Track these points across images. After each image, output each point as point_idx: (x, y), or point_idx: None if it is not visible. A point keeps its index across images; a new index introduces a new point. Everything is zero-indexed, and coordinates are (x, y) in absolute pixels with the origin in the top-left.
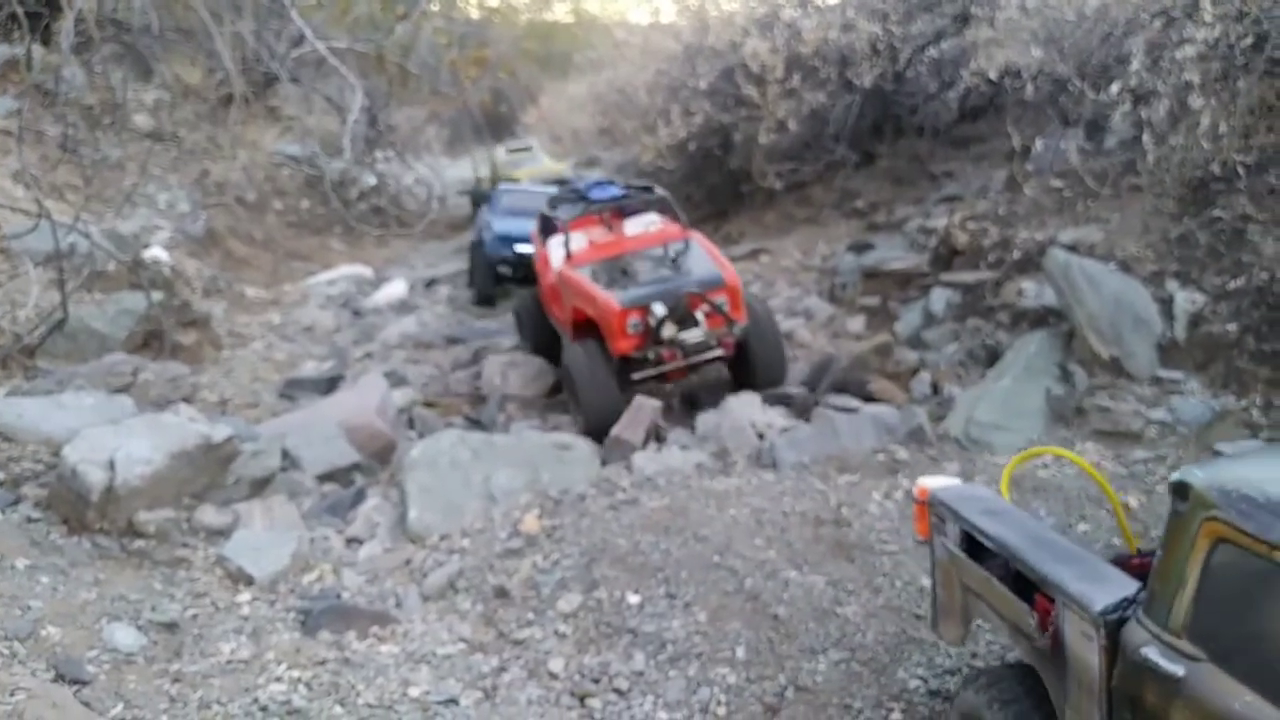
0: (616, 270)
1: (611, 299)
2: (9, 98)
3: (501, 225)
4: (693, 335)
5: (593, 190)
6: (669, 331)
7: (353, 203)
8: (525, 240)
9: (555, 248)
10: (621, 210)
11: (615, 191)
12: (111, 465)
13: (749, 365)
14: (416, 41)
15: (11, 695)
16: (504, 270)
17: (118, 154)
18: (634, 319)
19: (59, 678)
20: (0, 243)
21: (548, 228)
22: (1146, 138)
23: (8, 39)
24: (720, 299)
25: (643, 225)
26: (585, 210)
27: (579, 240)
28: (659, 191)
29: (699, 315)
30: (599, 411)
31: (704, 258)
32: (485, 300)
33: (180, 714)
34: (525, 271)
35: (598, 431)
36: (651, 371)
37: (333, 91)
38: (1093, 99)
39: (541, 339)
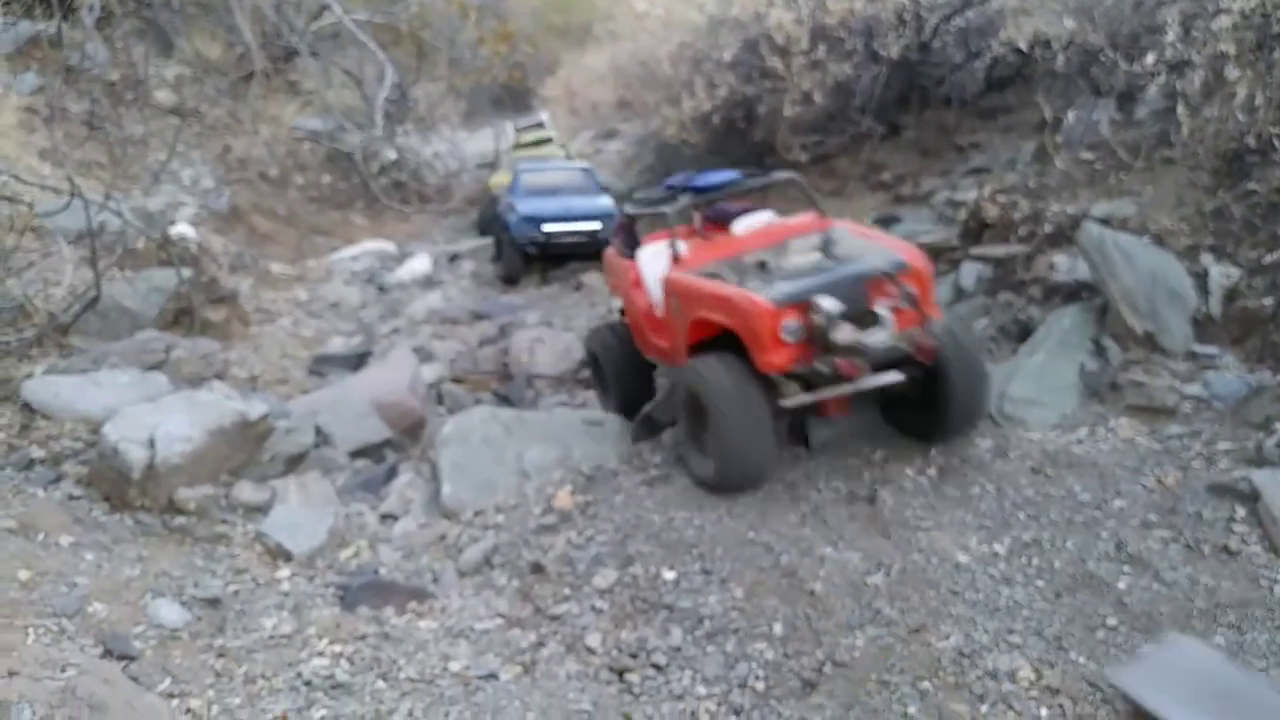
0: (747, 267)
1: (756, 296)
2: (32, 74)
3: (526, 206)
4: (878, 338)
5: (694, 179)
6: (844, 335)
7: (374, 177)
8: (551, 220)
9: (652, 259)
10: (724, 218)
11: (726, 175)
12: (152, 443)
13: (939, 400)
14: (434, 15)
15: (63, 671)
16: (531, 251)
17: (141, 130)
18: (791, 321)
19: (107, 653)
20: (33, 221)
21: (632, 238)
22: (1181, 109)
23: (30, 15)
24: (908, 288)
25: (758, 223)
26: (692, 202)
27: (661, 258)
28: (784, 175)
29: (881, 311)
30: (748, 455)
31: (865, 242)
32: (511, 280)
33: (226, 688)
34: (553, 251)
35: (737, 484)
36: (809, 398)
37: (352, 64)
38: (1125, 70)
39: (634, 388)
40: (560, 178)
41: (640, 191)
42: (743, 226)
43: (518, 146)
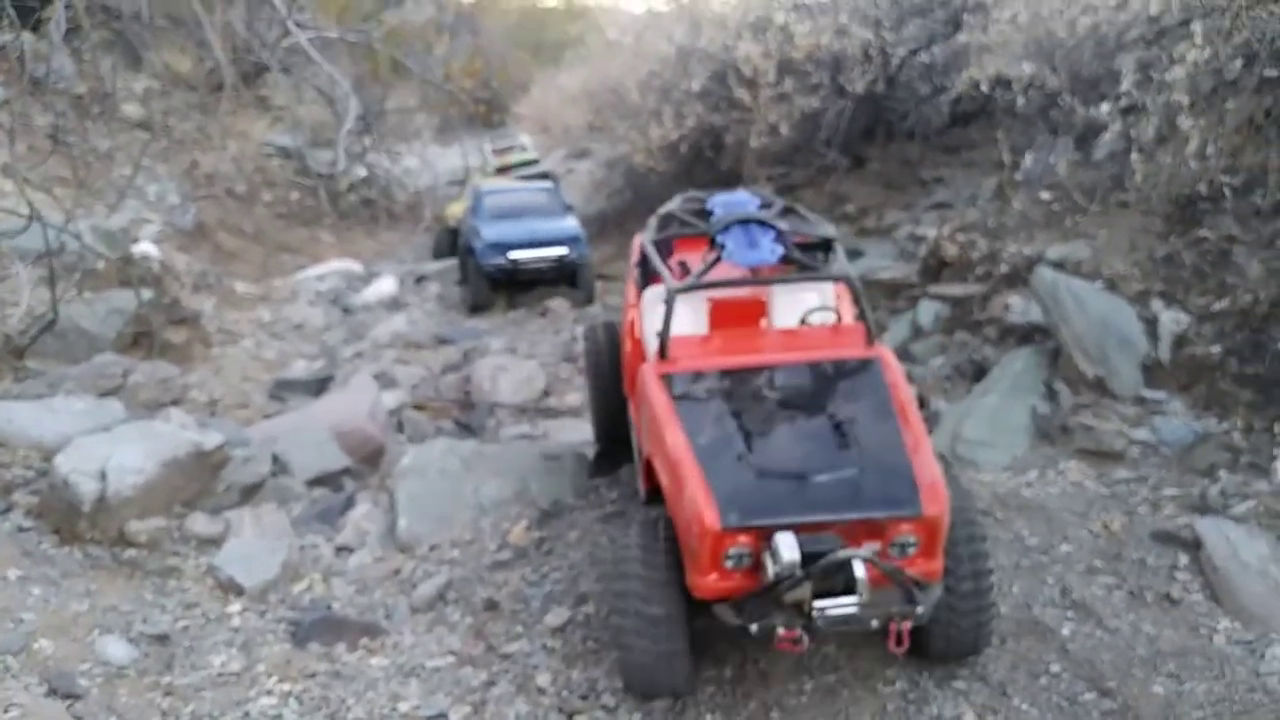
0: (737, 406)
1: (706, 502)
2: None
3: (491, 232)
4: (840, 608)
5: (730, 236)
6: (798, 594)
7: (343, 195)
8: (518, 246)
9: (651, 305)
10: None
11: (766, 251)
12: (103, 475)
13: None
14: (407, 33)
15: (5, 712)
16: (498, 277)
17: (107, 144)
18: (740, 547)
19: (52, 692)
20: None
21: (649, 263)
22: (1135, 155)
23: None
24: (906, 537)
25: (800, 301)
26: (708, 269)
27: (689, 313)
28: (840, 259)
29: (857, 566)
30: (644, 662)
31: (890, 427)
32: (479, 308)
33: None
34: (521, 278)
35: (640, 688)
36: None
37: (323, 81)
38: (1083, 113)
39: (613, 413)
40: (524, 199)
41: (675, 206)
42: (783, 305)
43: (501, 169)
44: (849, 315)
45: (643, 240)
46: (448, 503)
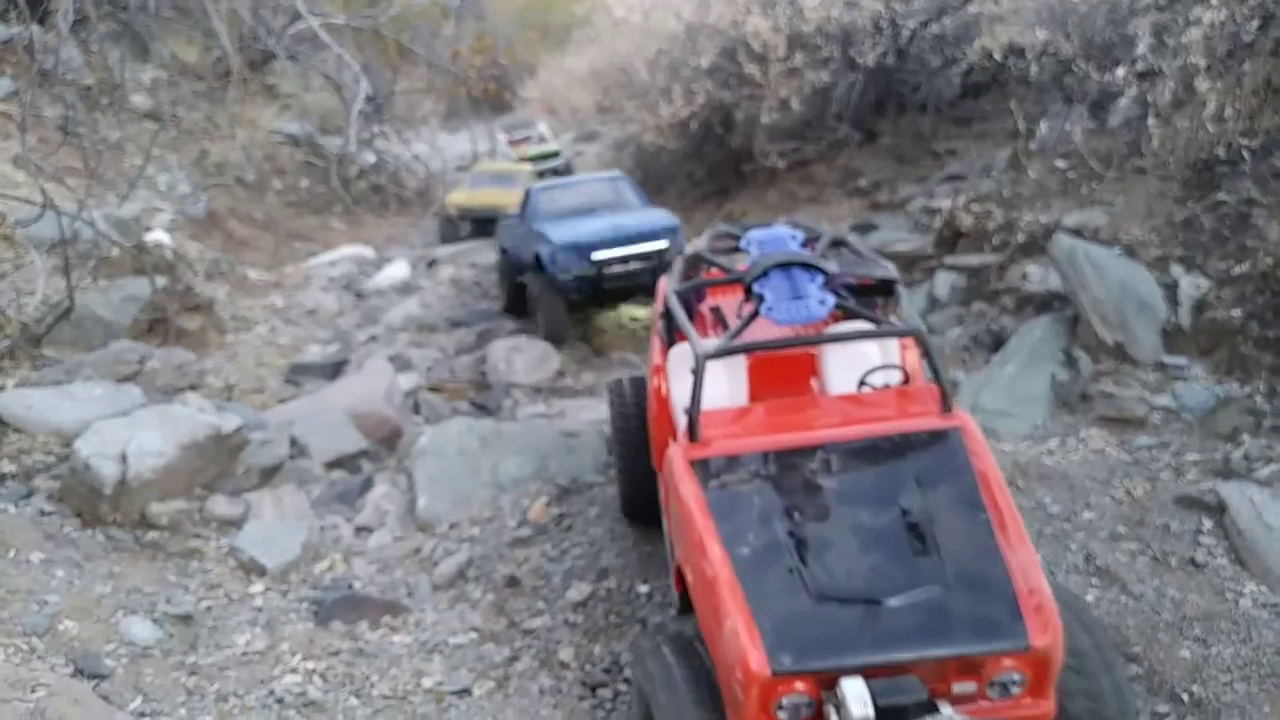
0: (786, 501)
1: (751, 640)
2: (7, 80)
3: (561, 232)
4: None
5: (769, 285)
6: None
7: (352, 181)
8: (602, 245)
9: (679, 368)
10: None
11: (814, 303)
12: (124, 458)
13: None
14: (414, 17)
15: (32, 692)
16: (575, 291)
17: (117, 135)
18: (796, 696)
19: (78, 672)
20: (5, 230)
21: (678, 317)
22: (1151, 120)
23: (4, 19)
24: (1009, 675)
25: (857, 357)
26: (745, 325)
27: (723, 378)
28: (904, 305)
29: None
30: None
31: (980, 523)
32: (557, 339)
33: (198, 707)
34: (608, 285)
35: None
36: None
37: (330, 68)
38: (1097, 80)
39: (641, 488)
40: (588, 193)
41: (703, 244)
42: (837, 364)
43: (523, 159)
44: (917, 373)
45: (665, 288)
46: (467, 481)
